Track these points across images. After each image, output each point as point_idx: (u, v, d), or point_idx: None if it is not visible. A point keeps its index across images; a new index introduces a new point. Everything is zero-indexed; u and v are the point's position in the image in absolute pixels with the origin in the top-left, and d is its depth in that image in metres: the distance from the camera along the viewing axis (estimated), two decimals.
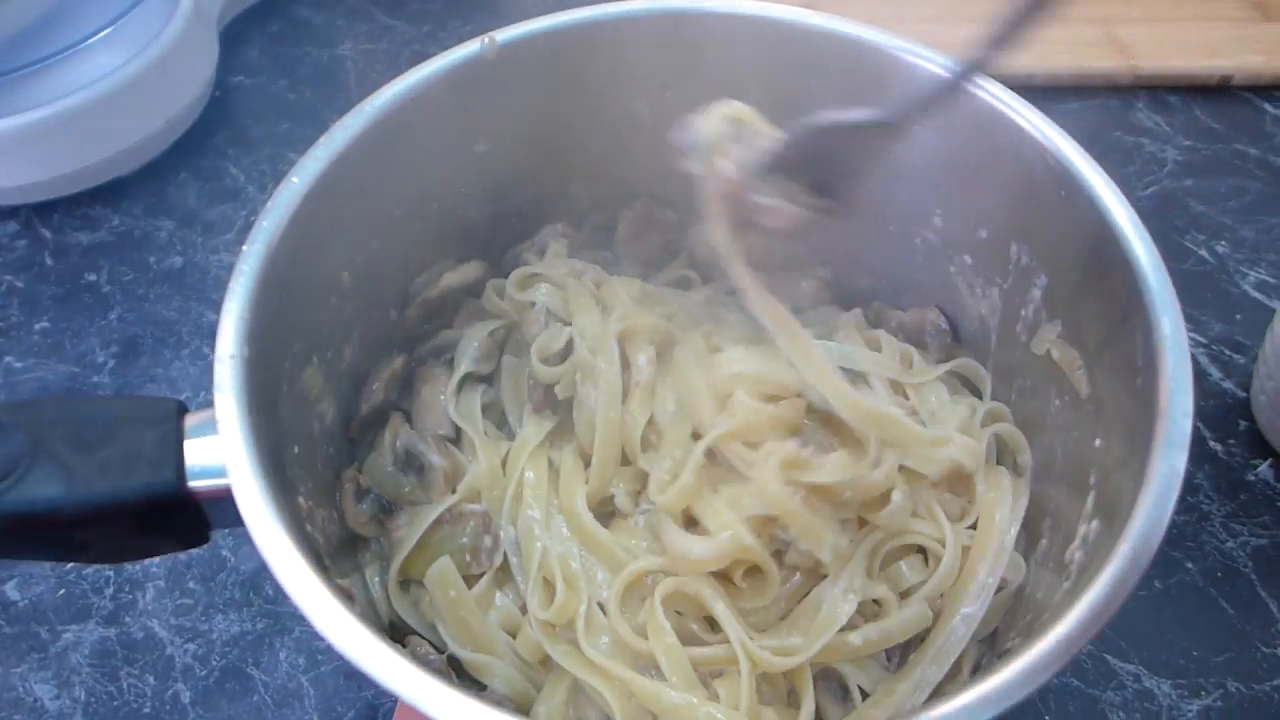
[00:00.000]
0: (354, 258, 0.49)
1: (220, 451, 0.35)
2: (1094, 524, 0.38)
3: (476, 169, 0.55)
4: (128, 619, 0.59)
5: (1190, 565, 0.61)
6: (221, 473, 0.35)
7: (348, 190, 0.46)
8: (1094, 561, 0.34)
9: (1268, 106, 0.90)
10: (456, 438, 0.52)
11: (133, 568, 0.61)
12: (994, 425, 0.51)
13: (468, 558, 0.47)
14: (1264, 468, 0.65)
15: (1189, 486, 0.66)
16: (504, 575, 0.48)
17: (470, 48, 0.51)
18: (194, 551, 0.62)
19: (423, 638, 0.46)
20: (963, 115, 0.49)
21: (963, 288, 0.55)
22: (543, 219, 0.60)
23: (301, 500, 0.40)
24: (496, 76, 0.52)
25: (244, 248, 0.41)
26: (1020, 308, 0.50)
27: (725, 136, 0.42)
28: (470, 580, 0.47)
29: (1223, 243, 0.79)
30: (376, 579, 0.48)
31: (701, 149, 0.43)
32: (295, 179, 0.43)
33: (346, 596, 0.34)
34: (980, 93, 0.48)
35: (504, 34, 0.51)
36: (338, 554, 0.45)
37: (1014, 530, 0.47)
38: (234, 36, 0.96)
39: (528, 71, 0.53)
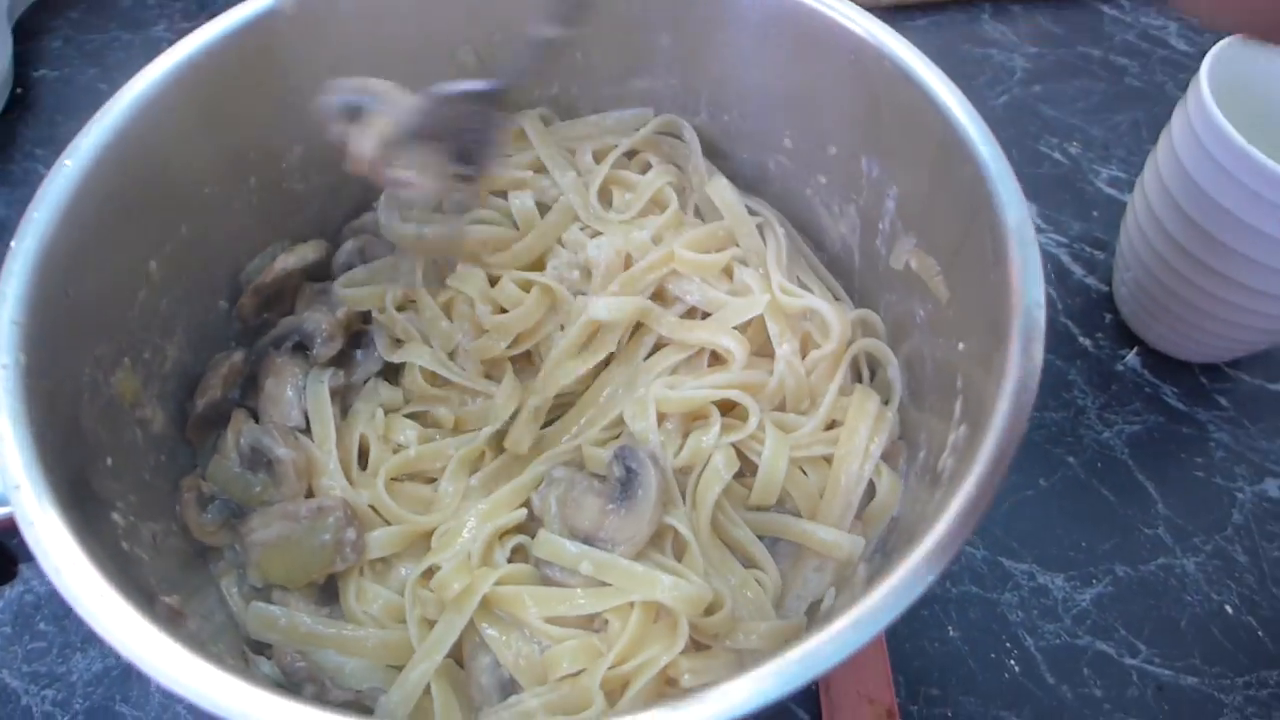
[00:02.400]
0: (161, 244, 0.44)
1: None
2: (962, 429, 0.37)
3: (295, 134, 0.50)
4: None
5: (1071, 459, 0.62)
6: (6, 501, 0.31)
7: (138, 168, 0.41)
8: (962, 466, 0.33)
9: (1105, 9, 0.91)
10: (307, 428, 0.48)
11: None
12: (860, 341, 0.51)
13: (332, 555, 0.43)
14: (1131, 356, 0.67)
15: (1063, 383, 0.67)
16: (381, 566, 0.45)
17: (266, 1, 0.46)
18: (40, 590, 0.56)
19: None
20: (801, 32, 0.48)
21: (821, 209, 0.54)
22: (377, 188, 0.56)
23: (117, 517, 0.36)
24: (301, 29, 0.47)
25: (11, 244, 0.36)
26: (877, 221, 0.49)
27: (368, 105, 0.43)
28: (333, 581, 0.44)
29: (1075, 144, 0.80)
30: (235, 589, 0.44)
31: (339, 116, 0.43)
32: (68, 161, 0.38)
33: (174, 615, 0.31)
34: (816, 5, 0.46)
35: None
36: (183, 569, 0.41)
37: (877, 446, 0.47)
38: (31, 26, 0.87)
39: (334, 20, 0.48)
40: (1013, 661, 0.54)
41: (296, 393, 0.48)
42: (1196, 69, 0.57)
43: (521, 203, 0.53)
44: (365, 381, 0.51)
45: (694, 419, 0.47)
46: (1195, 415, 0.64)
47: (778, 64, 0.50)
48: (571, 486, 0.44)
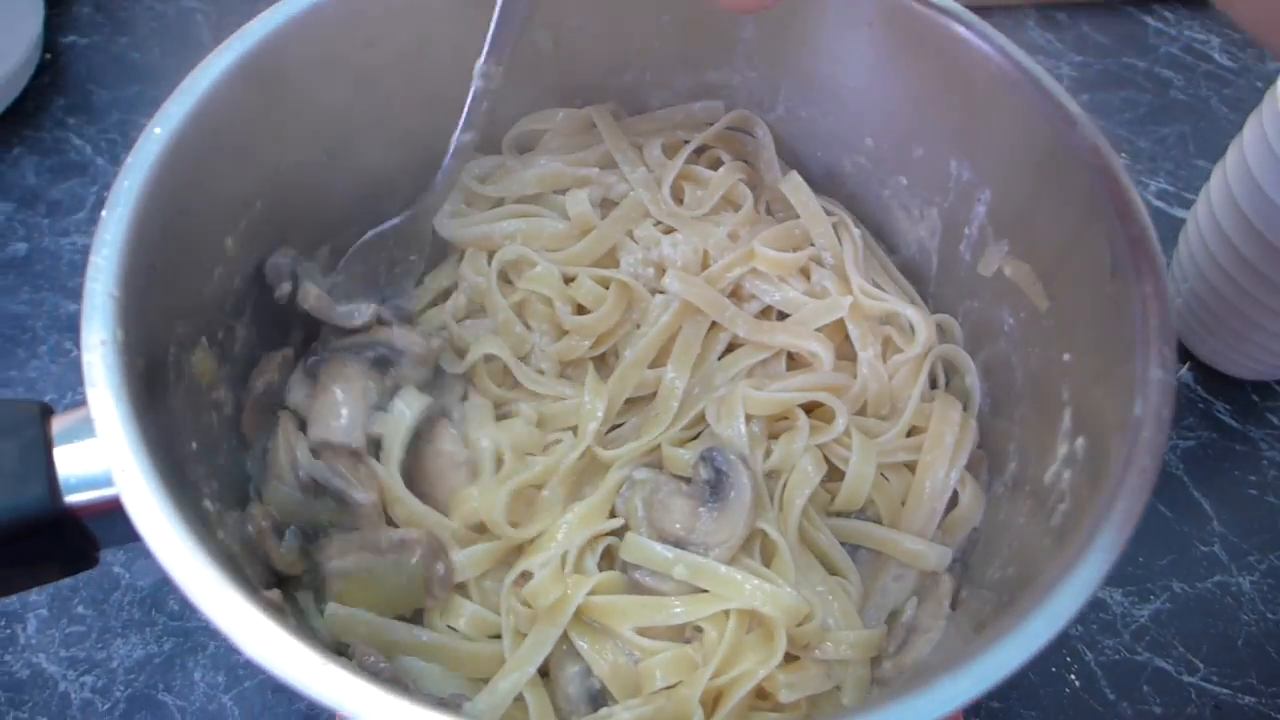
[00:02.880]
0: (237, 220, 0.42)
1: (101, 456, 0.29)
2: (1079, 441, 0.36)
3: (377, 106, 0.48)
4: (8, 657, 0.51)
5: None
6: (105, 481, 0.29)
7: (221, 140, 0.40)
8: (1096, 481, 0.32)
9: (1149, 20, 0.91)
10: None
11: (7, 599, 0.53)
12: (938, 347, 0.50)
13: (421, 592, 0.41)
14: (1184, 372, 0.66)
15: None
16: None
17: None
18: None
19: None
20: (896, 29, 0.47)
21: (899, 211, 0.53)
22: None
23: (208, 504, 0.35)
24: (378, 6, 0.46)
25: (103, 213, 0.34)
26: (963, 226, 0.48)
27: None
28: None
29: (1122, 155, 0.80)
30: (312, 604, 0.42)
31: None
32: (158, 129, 0.37)
33: (276, 609, 0.29)
34: (918, 6, 0.45)
35: None
36: (258, 563, 0.39)
37: (963, 454, 0.46)
38: None
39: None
40: (1073, 676, 0.54)
41: (359, 409, 0.44)
42: (1241, 84, 0.56)
43: (576, 203, 0.51)
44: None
45: (777, 420, 0.46)
46: (1248, 433, 0.64)
47: (868, 61, 0.48)
48: (657, 489, 0.42)
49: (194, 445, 0.36)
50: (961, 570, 0.45)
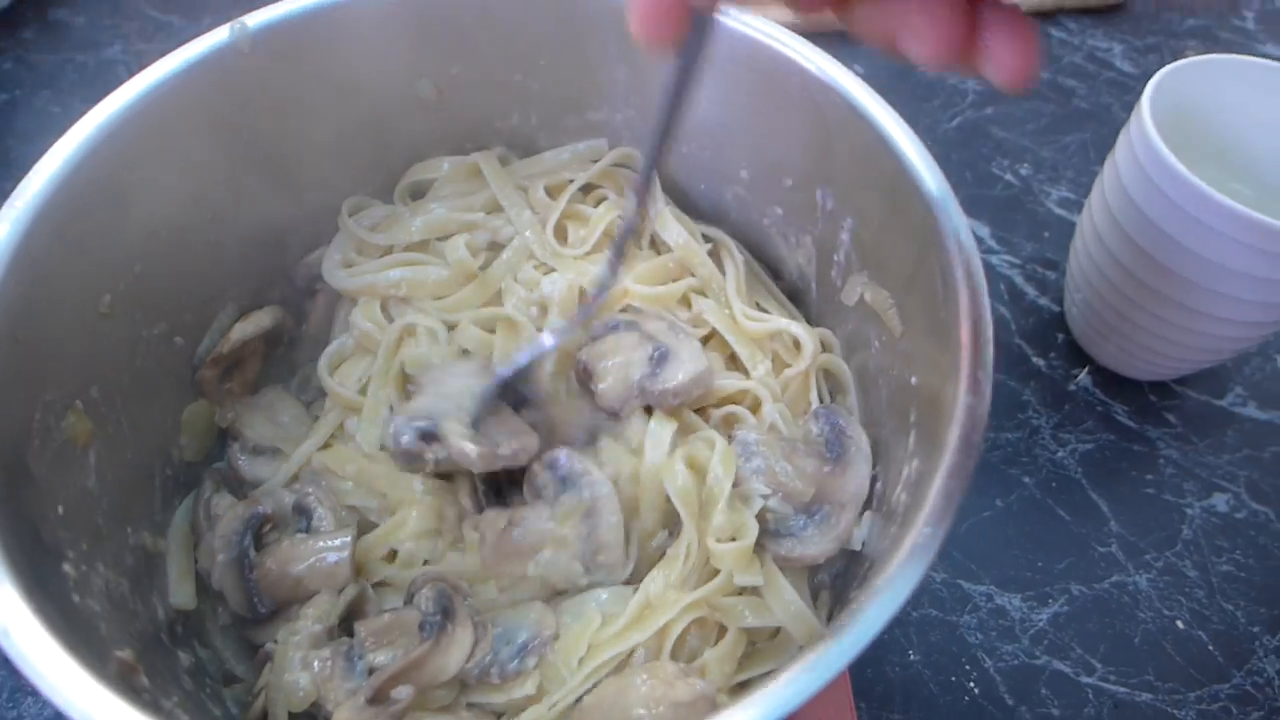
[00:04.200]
0: (115, 282, 0.43)
1: None
2: (914, 464, 0.38)
3: (258, 164, 0.49)
4: None
5: (1027, 479, 0.63)
6: None
7: (92, 206, 0.41)
8: (916, 502, 0.33)
9: (1052, 31, 0.94)
10: None
11: None
12: (820, 356, 0.51)
13: None
14: (1083, 376, 0.68)
15: (1018, 404, 0.68)
16: None
17: (220, 36, 0.46)
18: None
19: None
20: (756, 67, 0.48)
21: (778, 239, 0.55)
22: (333, 221, 0.55)
23: (68, 568, 0.35)
24: (258, 65, 0.47)
25: None
26: (833, 252, 0.50)
27: None
28: None
29: (1025, 165, 0.82)
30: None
31: None
32: (18, 203, 0.38)
33: (128, 670, 0.30)
34: (767, 40, 0.47)
35: (256, 19, 0.47)
36: (126, 617, 0.40)
37: None
38: None
39: (291, 55, 0.48)
40: (972, 684, 0.55)
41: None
42: (1141, 90, 0.58)
43: (454, 250, 0.53)
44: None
45: (688, 434, 0.48)
46: (1145, 433, 0.66)
47: (733, 97, 0.50)
48: (774, 448, 0.45)
49: (60, 509, 0.37)
50: (841, 588, 0.46)
